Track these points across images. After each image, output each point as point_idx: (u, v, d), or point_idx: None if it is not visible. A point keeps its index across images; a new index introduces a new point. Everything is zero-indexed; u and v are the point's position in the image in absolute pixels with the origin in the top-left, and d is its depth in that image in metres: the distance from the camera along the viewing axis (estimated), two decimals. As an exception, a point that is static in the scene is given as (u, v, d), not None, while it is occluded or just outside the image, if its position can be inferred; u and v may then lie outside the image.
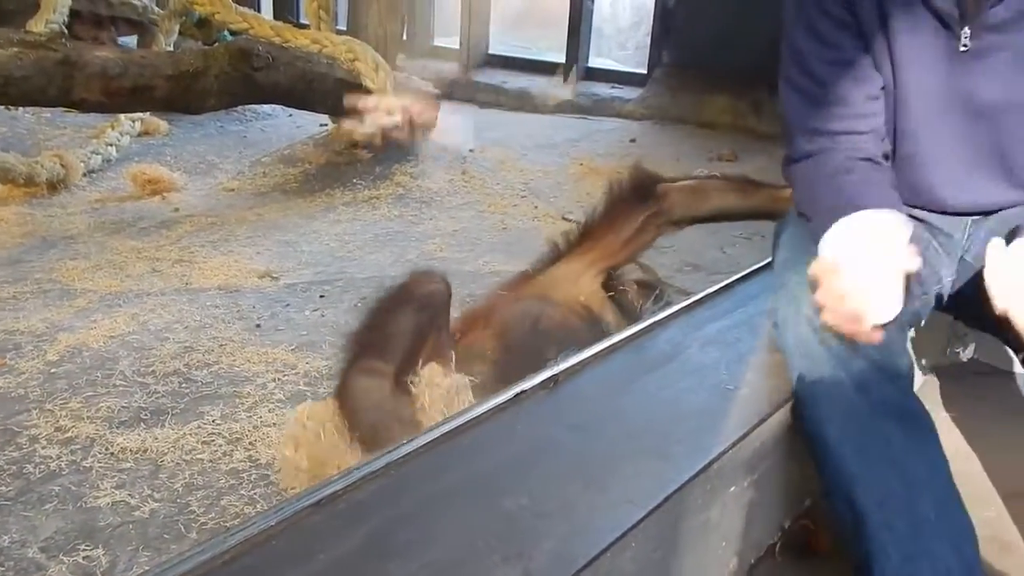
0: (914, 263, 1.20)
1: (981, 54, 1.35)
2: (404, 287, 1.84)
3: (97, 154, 3.99)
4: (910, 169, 1.48)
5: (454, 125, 4.37)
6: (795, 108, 1.50)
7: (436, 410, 1.59)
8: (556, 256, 2.17)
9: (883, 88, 1.45)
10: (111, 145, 4.10)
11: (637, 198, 2.12)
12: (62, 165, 3.71)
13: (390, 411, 1.62)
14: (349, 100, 3.57)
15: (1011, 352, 1.47)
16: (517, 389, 1.45)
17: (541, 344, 1.79)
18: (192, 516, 1.63)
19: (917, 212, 1.53)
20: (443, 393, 1.62)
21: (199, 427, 1.93)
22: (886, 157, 1.48)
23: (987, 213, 1.50)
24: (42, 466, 1.77)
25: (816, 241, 1.34)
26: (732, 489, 1.36)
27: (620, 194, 2.16)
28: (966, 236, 1.52)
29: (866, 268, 1.20)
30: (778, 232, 1.64)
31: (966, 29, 1.35)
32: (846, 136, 1.45)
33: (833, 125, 1.45)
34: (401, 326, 1.73)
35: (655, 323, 1.72)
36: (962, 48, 1.36)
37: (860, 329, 1.23)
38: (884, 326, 1.23)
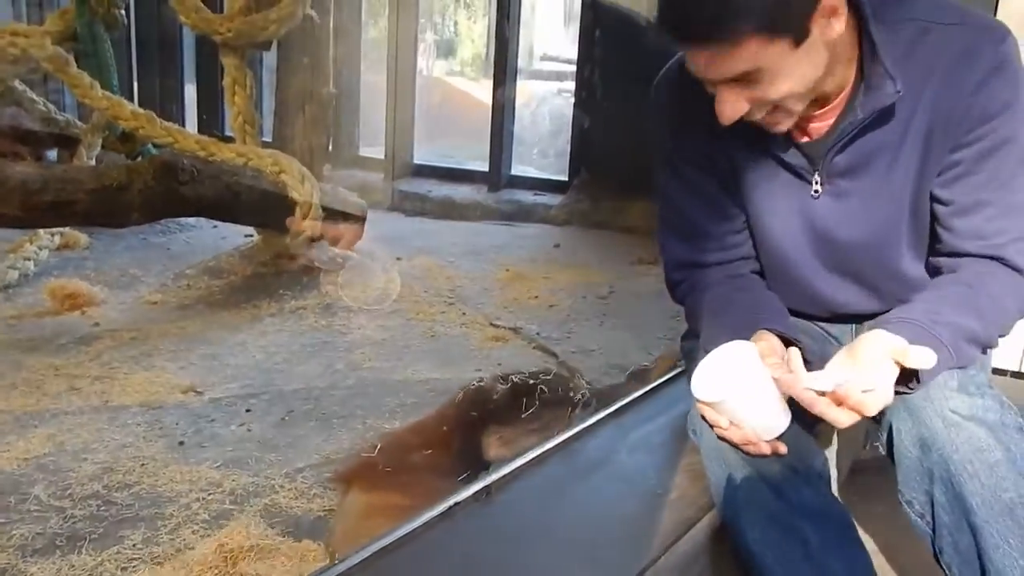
0: (778, 372, 1.25)
1: (832, 198, 1.43)
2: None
3: (14, 269, 3.90)
4: (784, 288, 1.56)
5: (380, 235, 4.43)
6: (668, 243, 1.62)
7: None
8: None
9: (746, 222, 1.54)
10: (29, 259, 4.02)
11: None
12: (-24, 281, 3.62)
13: None
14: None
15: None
16: (450, 502, 1.44)
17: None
18: (111, 649, 1.56)
19: (802, 320, 1.61)
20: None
21: (118, 552, 1.86)
22: (760, 273, 1.58)
23: (869, 317, 1.57)
24: (-52, 602, 1.68)
25: (706, 351, 1.41)
26: (666, 596, 1.37)
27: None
28: (854, 335, 1.61)
29: (733, 401, 1.26)
30: (684, 346, 1.72)
31: (816, 176, 1.42)
32: (717, 266, 1.55)
33: (705, 258, 1.56)
34: None
35: (584, 429, 1.74)
36: (813, 194, 1.44)
37: (761, 449, 1.29)
38: (782, 436, 1.29)
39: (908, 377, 1.25)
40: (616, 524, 1.43)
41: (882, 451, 1.44)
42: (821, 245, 1.48)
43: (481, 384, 2.15)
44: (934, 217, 1.43)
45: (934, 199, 1.41)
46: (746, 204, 1.51)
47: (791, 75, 1.24)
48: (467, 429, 2.03)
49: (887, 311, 1.39)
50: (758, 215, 1.50)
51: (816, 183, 1.43)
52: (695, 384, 1.30)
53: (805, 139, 1.41)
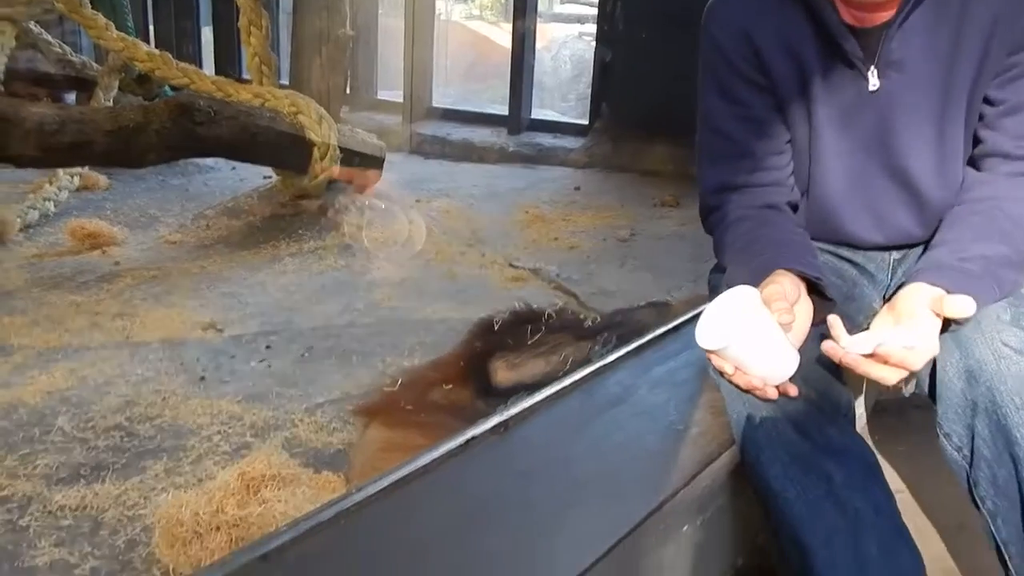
0: (783, 317, 1.23)
1: (888, 93, 1.41)
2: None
3: (34, 209, 3.91)
4: (827, 211, 1.54)
5: (397, 179, 4.39)
6: (706, 169, 1.58)
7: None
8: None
9: (789, 142, 1.52)
10: (49, 200, 4.03)
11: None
12: (-2, 220, 3.64)
13: None
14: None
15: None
16: (467, 435, 1.44)
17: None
18: (135, 573, 1.58)
19: (843, 250, 1.59)
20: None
21: (141, 481, 1.88)
22: (794, 206, 1.55)
23: (909, 247, 1.56)
24: (-24, 527, 1.71)
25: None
26: (685, 529, 1.37)
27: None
28: (889, 274, 1.59)
29: (734, 348, 1.25)
30: (712, 279, 1.69)
31: (873, 68, 1.40)
32: (748, 188, 1.52)
33: (738, 179, 1.52)
34: None
35: (604, 366, 1.73)
36: (871, 88, 1.42)
37: (768, 394, 1.28)
38: (804, 378, 1.28)
39: (952, 320, 1.25)
40: (635, 459, 1.42)
41: (920, 389, 1.43)
42: (876, 143, 1.45)
43: (491, 316, 2.14)
44: (981, 118, 1.42)
45: (986, 100, 1.40)
46: (800, 106, 1.48)
47: None
48: (476, 358, 2.03)
49: (925, 239, 1.36)
50: (812, 115, 1.47)
51: (872, 74, 1.40)
52: (698, 332, 1.29)
53: (860, 26, 1.39)
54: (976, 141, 1.45)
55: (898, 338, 1.21)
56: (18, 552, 1.63)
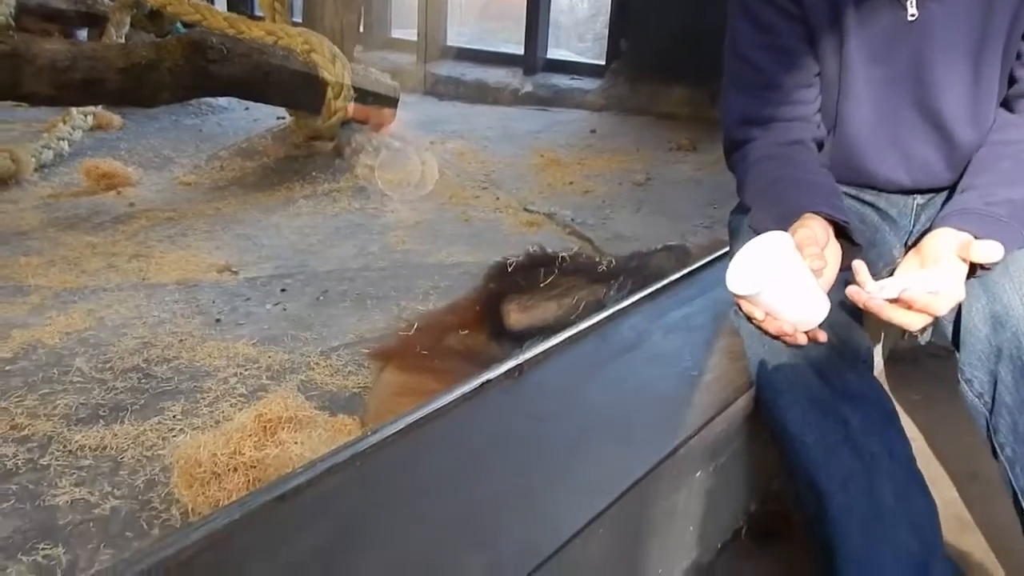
0: (815, 263, 1.22)
1: (926, 23, 1.38)
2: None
3: (49, 149, 3.91)
4: (853, 149, 1.50)
5: (413, 119, 4.35)
6: (731, 97, 1.53)
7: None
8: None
9: (818, 75, 1.48)
10: (63, 139, 4.02)
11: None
12: (12, 160, 3.63)
13: None
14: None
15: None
16: (482, 379, 1.44)
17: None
18: (154, 512, 1.60)
19: (866, 194, 1.56)
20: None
21: (159, 422, 1.90)
22: (819, 143, 1.51)
23: (934, 191, 1.53)
24: (-2, 465, 1.74)
25: (756, 231, 1.38)
26: (698, 474, 1.37)
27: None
28: (912, 220, 1.56)
29: (767, 293, 1.23)
30: (732, 221, 1.66)
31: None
32: (774, 122, 1.48)
33: (764, 112, 1.49)
34: None
35: (619, 311, 1.72)
36: (909, 18, 1.38)
37: (797, 340, 1.26)
38: (826, 323, 1.26)
39: (977, 265, 1.23)
40: (649, 403, 1.42)
41: (943, 336, 1.42)
42: (910, 77, 1.42)
43: (505, 259, 2.13)
44: (1018, 57, 1.39)
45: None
46: (832, 36, 1.44)
47: None
48: (490, 301, 2.02)
49: (952, 182, 1.34)
50: (845, 46, 1.43)
51: (912, 5, 1.37)
52: (730, 277, 1.27)
53: None
54: (1012, 81, 1.41)
55: (923, 283, 1.19)
56: (39, 491, 1.65)
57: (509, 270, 2.07)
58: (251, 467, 1.56)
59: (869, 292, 1.21)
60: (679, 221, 3.37)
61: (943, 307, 1.20)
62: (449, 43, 6.16)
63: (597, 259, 2.16)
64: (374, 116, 4.08)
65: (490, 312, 2.02)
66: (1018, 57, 1.40)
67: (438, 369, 1.87)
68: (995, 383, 1.29)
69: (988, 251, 1.19)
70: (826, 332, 1.28)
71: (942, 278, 1.20)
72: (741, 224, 1.53)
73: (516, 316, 1.99)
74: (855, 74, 1.44)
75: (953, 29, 1.37)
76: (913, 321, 1.21)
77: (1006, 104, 1.44)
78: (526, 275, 2.06)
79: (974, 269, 1.24)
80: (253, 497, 1.14)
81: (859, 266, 1.24)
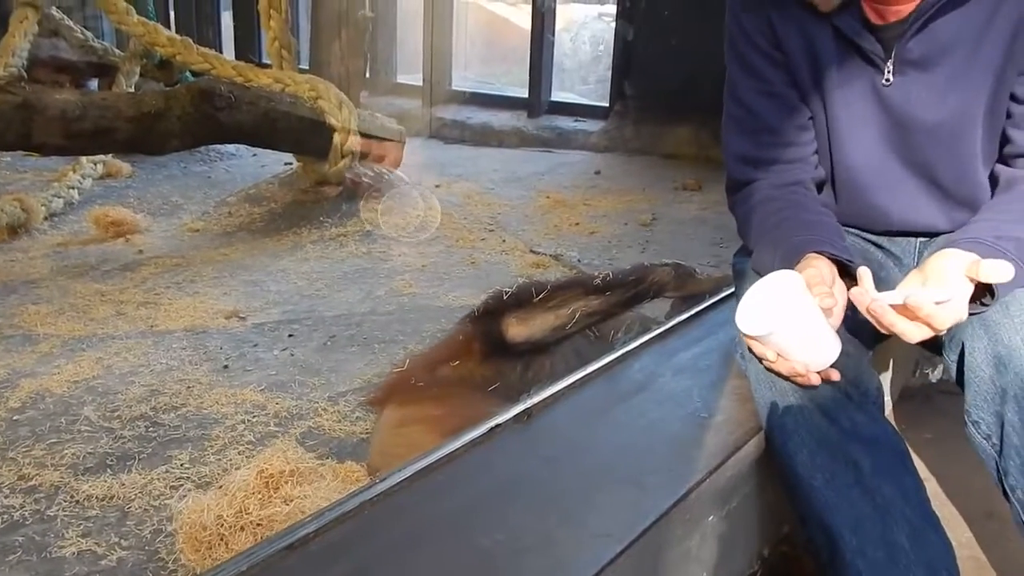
0: (826, 301, 1.21)
1: (904, 88, 1.39)
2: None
3: (59, 197, 3.94)
4: (851, 194, 1.52)
5: (415, 162, 4.38)
6: (731, 137, 1.55)
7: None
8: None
9: (811, 119, 1.49)
10: (73, 188, 4.06)
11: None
12: (23, 209, 3.66)
13: None
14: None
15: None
16: (491, 423, 1.43)
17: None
18: (161, 563, 1.59)
19: (867, 234, 1.57)
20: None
21: (167, 471, 1.89)
22: (819, 184, 1.52)
23: (932, 235, 1.53)
24: (5, 516, 1.73)
25: (759, 273, 1.38)
26: (710, 519, 1.36)
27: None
28: (915, 257, 1.56)
29: (779, 334, 1.22)
30: (736, 262, 1.66)
31: (888, 64, 1.38)
32: (775, 164, 1.50)
33: (763, 153, 1.50)
34: None
35: (627, 352, 1.71)
36: (884, 83, 1.40)
37: (810, 380, 1.25)
38: (835, 363, 1.25)
39: (980, 294, 1.21)
40: (659, 447, 1.41)
41: (948, 374, 1.41)
42: (894, 136, 1.43)
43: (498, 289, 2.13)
44: (1008, 117, 1.38)
45: (1012, 98, 1.36)
46: (815, 94, 1.46)
47: None
48: (486, 322, 2.02)
49: (951, 230, 1.33)
50: (828, 105, 1.46)
51: (888, 71, 1.38)
52: (739, 317, 1.27)
53: (881, 22, 1.37)
54: (1005, 140, 1.41)
55: (929, 293, 1.17)
56: (46, 542, 1.64)
57: (504, 298, 2.07)
58: (258, 525, 1.55)
59: (872, 296, 1.20)
60: (685, 260, 3.34)
61: (945, 321, 1.17)
62: (454, 87, 6.23)
63: (588, 275, 2.15)
64: (380, 150, 4.10)
65: (487, 332, 2.02)
66: (1009, 116, 1.39)
67: (435, 396, 1.87)
68: (1002, 424, 1.27)
69: (997, 270, 1.17)
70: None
71: (948, 291, 1.18)
72: (744, 266, 1.53)
73: (515, 329, 1.99)
74: (840, 131, 1.46)
75: (930, 95, 1.38)
76: (913, 332, 1.19)
77: (1005, 162, 1.43)
78: (519, 298, 2.06)
79: (975, 300, 1.22)
80: (260, 548, 1.13)
81: (864, 272, 1.23)
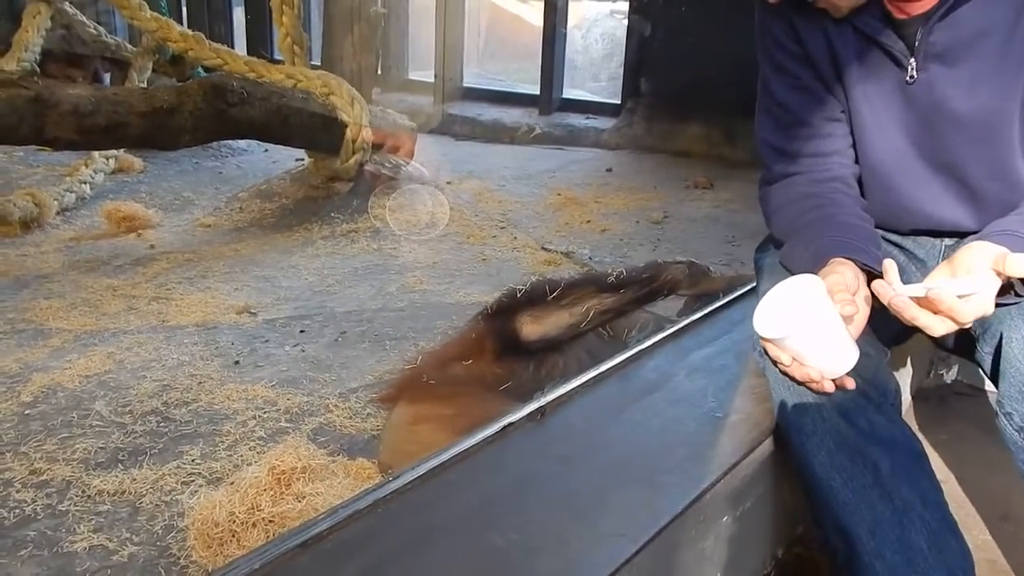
0: (846, 309, 1.19)
1: (929, 85, 1.37)
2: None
3: (71, 192, 3.95)
4: (877, 193, 1.50)
5: (429, 158, 4.37)
6: (765, 131, 1.55)
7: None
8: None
9: (843, 111, 1.48)
10: (85, 183, 4.07)
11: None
12: (35, 203, 3.67)
13: None
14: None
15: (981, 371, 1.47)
16: (504, 422, 1.42)
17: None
18: (172, 559, 1.59)
19: (892, 236, 1.55)
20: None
21: (178, 467, 1.89)
22: (857, 177, 1.50)
23: (959, 235, 1.51)
24: (16, 510, 1.72)
25: (787, 267, 1.36)
26: (725, 519, 1.35)
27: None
28: (939, 261, 1.53)
29: (795, 338, 1.21)
30: (759, 258, 1.64)
31: (912, 60, 1.36)
32: (811, 158, 1.48)
33: (799, 146, 1.49)
34: None
35: (641, 351, 1.70)
36: (908, 80, 1.38)
37: (824, 387, 1.23)
38: (851, 372, 1.23)
39: (1010, 288, 1.19)
40: (674, 446, 1.40)
41: (947, 380, 1.39)
42: (920, 133, 1.41)
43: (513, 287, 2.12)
44: None
45: None
46: (839, 93, 1.45)
47: None
48: (500, 320, 2.01)
49: (979, 230, 1.31)
50: (852, 102, 1.44)
51: (912, 67, 1.37)
52: (757, 319, 1.25)
53: (903, 17, 1.35)
54: None
55: (953, 287, 1.15)
56: (57, 537, 1.64)
57: (518, 296, 2.06)
58: (269, 522, 1.54)
59: (895, 290, 1.18)
60: (698, 258, 3.33)
61: (969, 314, 1.15)
62: (466, 84, 6.22)
63: (608, 271, 2.14)
64: (395, 141, 4.09)
65: (500, 330, 2.01)
66: None
67: (448, 395, 1.86)
68: None
69: None
70: (853, 377, 1.25)
71: (973, 285, 1.15)
72: (765, 263, 1.52)
73: (530, 328, 1.98)
74: (864, 127, 1.44)
75: (957, 91, 1.36)
76: (936, 326, 1.16)
77: None
78: (532, 296, 2.05)
79: (1006, 292, 1.21)
80: (273, 545, 1.12)
81: (889, 264, 1.21)
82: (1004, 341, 1.29)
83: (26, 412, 2.12)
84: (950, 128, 1.38)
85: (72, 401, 2.18)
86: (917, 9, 1.34)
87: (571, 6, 5.98)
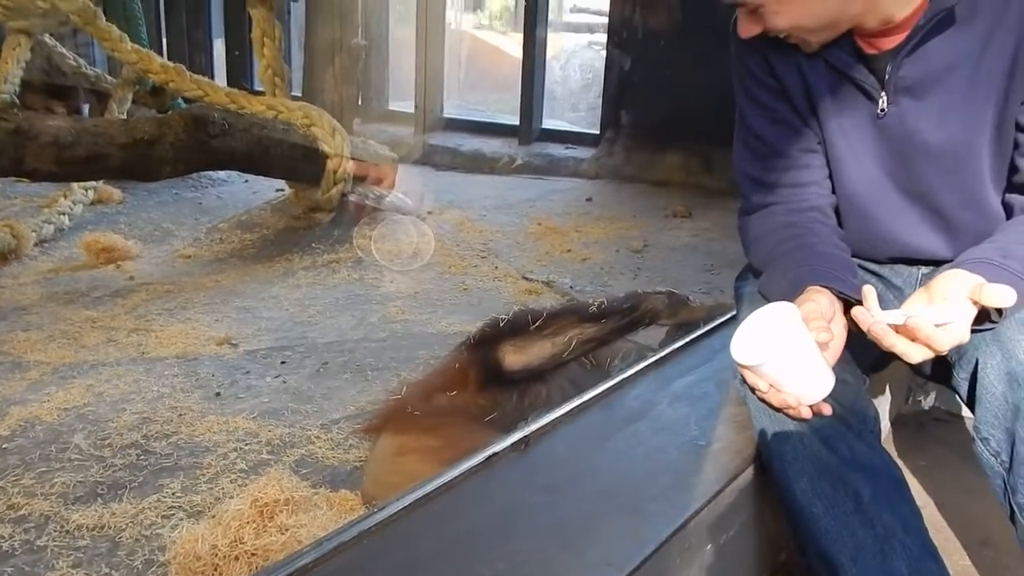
0: (821, 335, 1.21)
1: (900, 118, 1.41)
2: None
3: (49, 223, 3.93)
4: (853, 223, 1.53)
5: (411, 188, 4.38)
6: (743, 161, 1.58)
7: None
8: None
9: (819, 143, 1.51)
10: (64, 214, 4.05)
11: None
12: (13, 235, 3.64)
13: None
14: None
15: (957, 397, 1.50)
16: (489, 452, 1.43)
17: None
18: (153, 595, 1.57)
19: (869, 264, 1.57)
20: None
21: (159, 500, 1.87)
22: (834, 206, 1.53)
23: (935, 264, 1.53)
24: (-7, 547, 1.70)
25: (766, 296, 1.38)
26: (708, 547, 1.35)
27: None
28: (915, 290, 1.56)
29: (771, 365, 1.23)
30: (739, 286, 1.67)
31: (883, 94, 1.40)
32: (789, 188, 1.51)
33: (776, 177, 1.52)
34: None
35: (624, 380, 1.71)
36: (880, 112, 1.41)
37: (801, 413, 1.25)
38: (827, 397, 1.25)
39: (985, 316, 1.22)
40: (657, 474, 1.40)
41: (924, 407, 1.41)
42: (893, 164, 1.44)
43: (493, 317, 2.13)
44: (1016, 147, 1.38)
45: (1018, 127, 1.37)
46: (814, 126, 1.49)
47: (791, 12, 1.33)
48: (483, 350, 2.01)
49: (954, 258, 1.34)
50: (828, 135, 1.48)
51: (883, 100, 1.40)
52: (734, 346, 1.27)
53: (874, 52, 1.39)
54: (1013, 169, 1.41)
55: (930, 315, 1.18)
56: (36, 573, 1.62)
57: (500, 325, 2.07)
58: (252, 555, 1.53)
59: (875, 317, 1.20)
60: (677, 287, 3.35)
61: (946, 342, 1.17)
62: (446, 114, 6.26)
63: (590, 300, 2.16)
64: (378, 172, 4.10)
65: (483, 360, 2.01)
66: (1016, 146, 1.39)
67: (433, 426, 1.86)
68: (1013, 442, 1.27)
69: (1000, 295, 1.17)
70: (831, 402, 1.27)
71: (949, 313, 1.18)
72: (747, 290, 1.54)
73: (513, 357, 1.99)
74: (839, 160, 1.48)
75: (928, 123, 1.39)
76: (913, 353, 1.19)
77: (1016, 191, 1.42)
78: (514, 326, 2.06)
79: (981, 320, 1.23)
80: (258, 578, 1.12)
81: (868, 291, 1.24)
82: (979, 367, 1.32)
83: (3, 446, 2.09)
84: (922, 159, 1.42)
85: (50, 434, 2.15)
86: (886, 44, 1.38)
87: (550, 37, 6.05)
